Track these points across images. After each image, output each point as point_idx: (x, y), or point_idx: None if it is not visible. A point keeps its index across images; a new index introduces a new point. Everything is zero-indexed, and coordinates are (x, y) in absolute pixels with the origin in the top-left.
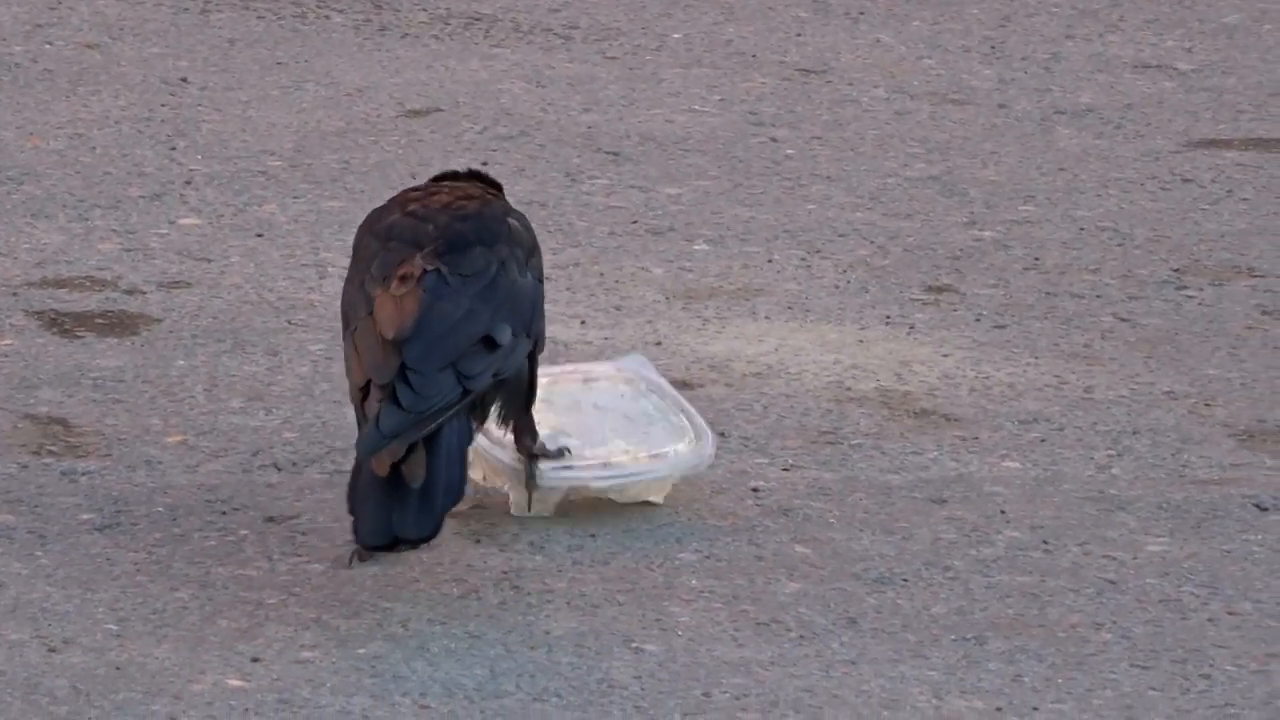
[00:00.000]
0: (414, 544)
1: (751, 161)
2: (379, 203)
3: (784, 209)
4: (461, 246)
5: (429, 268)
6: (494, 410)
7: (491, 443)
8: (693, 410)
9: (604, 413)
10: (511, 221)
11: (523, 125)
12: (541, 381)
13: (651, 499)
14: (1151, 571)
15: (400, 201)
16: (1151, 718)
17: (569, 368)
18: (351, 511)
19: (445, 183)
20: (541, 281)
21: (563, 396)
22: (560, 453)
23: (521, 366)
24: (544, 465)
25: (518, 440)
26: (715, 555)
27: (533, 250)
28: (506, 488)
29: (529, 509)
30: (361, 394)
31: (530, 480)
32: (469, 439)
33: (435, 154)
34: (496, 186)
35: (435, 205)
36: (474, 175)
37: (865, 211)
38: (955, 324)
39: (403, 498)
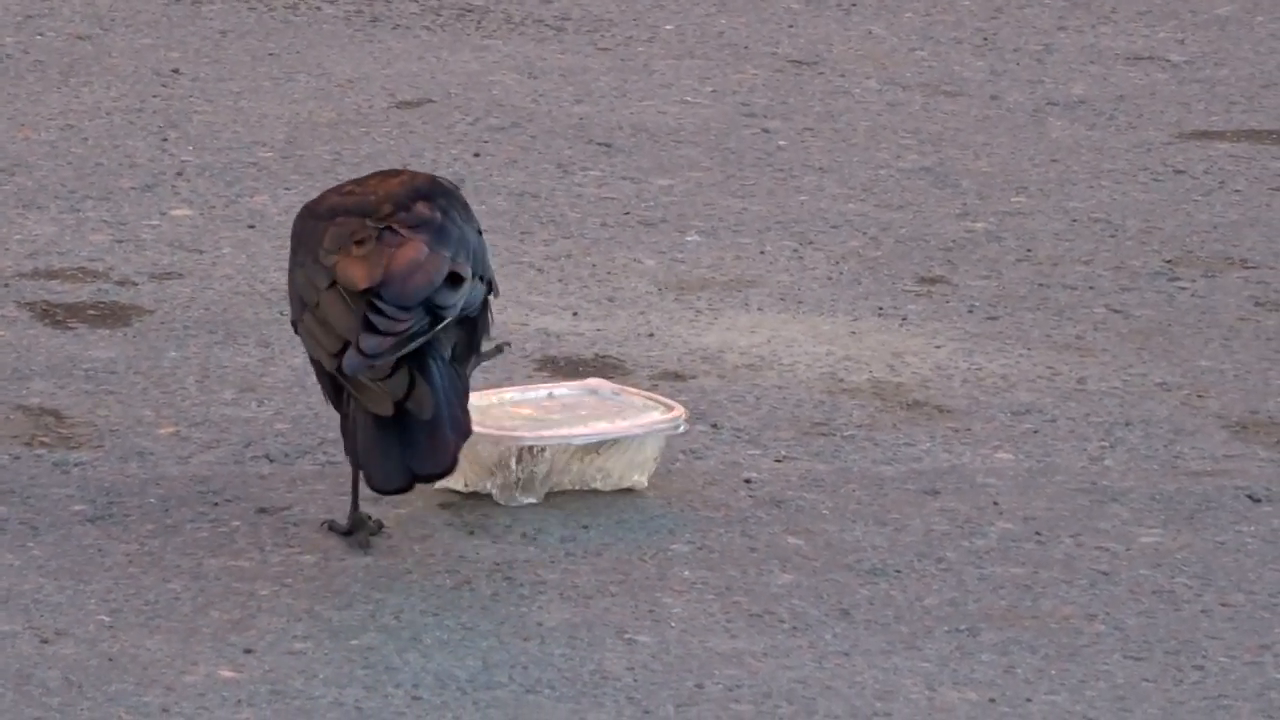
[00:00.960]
0: (430, 479)
1: (744, 153)
2: None
3: (776, 200)
4: (405, 205)
5: (381, 226)
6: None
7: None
8: (658, 396)
9: (576, 407)
10: (443, 181)
11: (514, 116)
12: (510, 395)
13: (636, 481)
14: (1144, 563)
15: (334, 190)
16: (1144, 709)
17: (532, 388)
18: (357, 465)
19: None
20: (481, 234)
21: (533, 395)
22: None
23: (479, 307)
24: (529, 432)
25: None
26: (708, 546)
27: (466, 207)
28: (489, 485)
29: (516, 493)
30: (336, 362)
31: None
32: (465, 384)
33: (427, 145)
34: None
35: (369, 185)
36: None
37: (857, 203)
38: (948, 315)
39: (411, 439)
